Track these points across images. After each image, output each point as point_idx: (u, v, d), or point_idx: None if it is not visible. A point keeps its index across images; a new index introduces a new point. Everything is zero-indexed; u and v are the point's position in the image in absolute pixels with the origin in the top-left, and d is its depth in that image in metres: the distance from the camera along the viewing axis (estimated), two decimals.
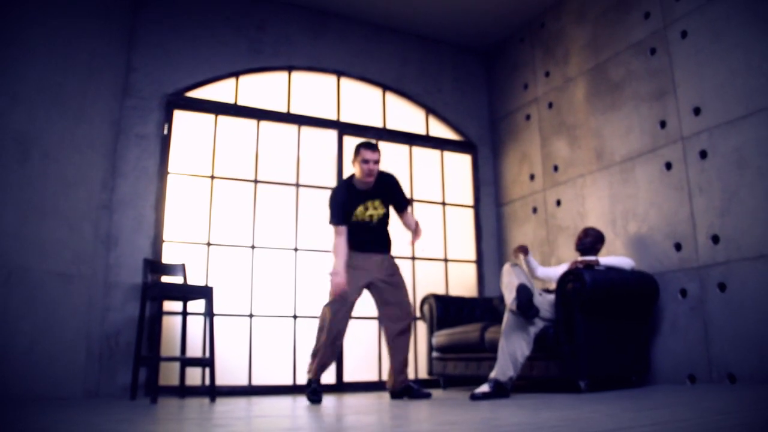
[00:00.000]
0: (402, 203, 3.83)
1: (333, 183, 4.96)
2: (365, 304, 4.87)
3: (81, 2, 3.96)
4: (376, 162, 3.62)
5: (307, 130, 4.99)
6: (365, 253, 3.69)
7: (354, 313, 4.73)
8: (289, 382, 4.46)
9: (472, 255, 5.46)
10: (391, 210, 3.81)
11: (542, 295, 3.70)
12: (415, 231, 3.80)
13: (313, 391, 3.43)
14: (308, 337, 4.60)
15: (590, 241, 3.91)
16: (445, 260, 5.34)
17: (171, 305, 4.10)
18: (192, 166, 4.51)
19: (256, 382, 4.34)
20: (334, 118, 5.10)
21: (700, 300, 3.67)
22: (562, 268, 3.99)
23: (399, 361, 3.65)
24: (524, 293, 3.35)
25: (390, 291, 3.70)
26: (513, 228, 5.38)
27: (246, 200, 4.61)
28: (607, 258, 3.77)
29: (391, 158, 5.31)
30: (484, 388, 3.30)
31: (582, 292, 3.44)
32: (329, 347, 3.53)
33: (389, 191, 3.76)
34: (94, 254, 3.91)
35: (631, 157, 4.27)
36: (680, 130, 3.92)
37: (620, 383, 3.74)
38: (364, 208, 3.69)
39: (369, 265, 3.67)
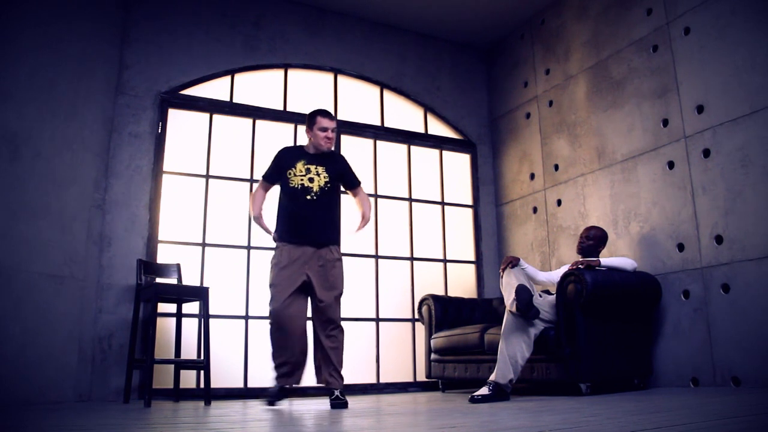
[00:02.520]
0: (353, 181, 3.62)
1: None
2: (365, 304, 4.85)
3: None
4: (334, 131, 3.47)
5: (303, 129, 4.93)
6: (299, 246, 3.37)
7: (352, 314, 4.75)
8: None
9: (471, 255, 5.41)
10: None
11: (542, 296, 3.66)
12: (362, 218, 3.61)
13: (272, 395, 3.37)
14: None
15: (593, 244, 3.85)
16: (444, 261, 5.28)
17: (165, 307, 4.05)
18: (187, 165, 4.45)
19: (252, 384, 4.28)
20: None
21: (704, 301, 3.62)
22: (564, 271, 3.94)
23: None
24: (524, 294, 3.31)
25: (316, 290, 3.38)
26: (513, 228, 5.33)
27: (242, 200, 4.55)
28: (608, 259, 3.72)
29: (389, 157, 5.27)
30: (484, 390, 3.26)
31: (583, 293, 3.39)
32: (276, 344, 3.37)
33: (338, 167, 3.55)
34: (87, 255, 3.85)
35: (632, 156, 4.21)
36: (683, 129, 3.87)
37: (622, 386, 3.70)
38: (306, 170, 3.43)
39: (302, 257, 3.37)
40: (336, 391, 3.26)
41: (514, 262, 3.58)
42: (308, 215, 3.40)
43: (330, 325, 3.40)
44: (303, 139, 4.87)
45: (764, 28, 3.44)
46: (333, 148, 3.59)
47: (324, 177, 3.46)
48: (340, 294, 3.44)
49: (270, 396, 3.41)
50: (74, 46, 3.86)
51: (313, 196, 3.41)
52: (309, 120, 3.51)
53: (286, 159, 3.50)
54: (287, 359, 3.38)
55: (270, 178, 3.54)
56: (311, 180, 3.43)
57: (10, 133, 3.34)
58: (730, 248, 3.52)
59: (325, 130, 3.45)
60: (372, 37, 5.36)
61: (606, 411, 2.43)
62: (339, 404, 3.19)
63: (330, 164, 3.52)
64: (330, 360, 3.37)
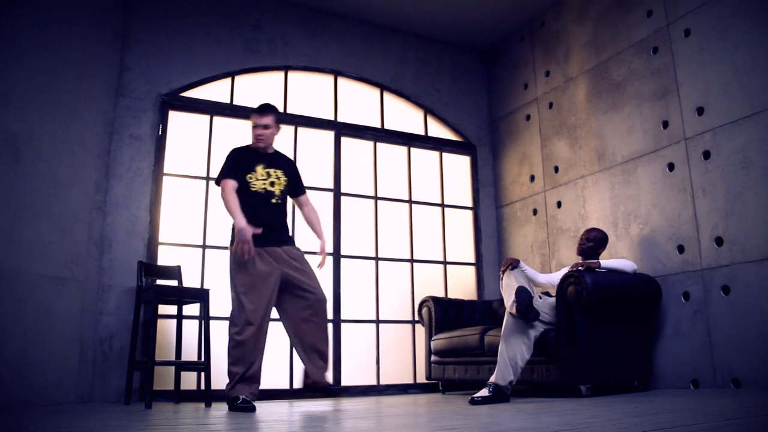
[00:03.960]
0: (301, 187, 3.59)
1: (330, 184, 4.92)
2: (365, 306, 4.85)
3: (73, 1, 3.91)
4: (266, 127, 3.33)
5: (303, 131, 4.94)
6: (266, 247, 3.27)
7: (352, 316, 4.75)
8: (285, 386, 4.40)
9: (471, 257, 5.41)
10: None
11: (542, 298, 3.66)
12: (320, 241, 3.54)
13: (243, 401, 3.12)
14: None
15: (593, 246, 3.85)
16: (444, 262, 5.28)
17: (166, 308, 4.05)
18: (187, 167, 4.46)
19: None
20: (331, 118, 5.05)
21: (704, 303, 3.62)
22: (564, 272, 3.94)
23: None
24: (524, 296, 3.31)
25: (303, 276, 3.34)
26: (513, 230, 5.33)
27: None
28: (608, 260, 3.72)
29: (390, 159, 5.27)
30: (484, 392, 3.26)
31: (583, 294, 3.39)
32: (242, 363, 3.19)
33: (291, 169, 3.50)
34: (87, 257, 3.85)
35: (632, 158, 4.21)
36: (683, 131, 3.87)
37: (622, 388, 3.70)
38: (267, 174, 3.36)
39: (274, 259, 3.30)
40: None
41: (513, 264, 3.57)
42: (275, 220, 3.39)
43: (324, 312, 3.38)
44: (302, 142, 4.92)
45: (764, 30, 3.44)
46: (266, 145, 3.42)
47: (283, 180, 3.46)
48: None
49: (250, 408, 3.12)
50: (75, 48, 3.86)
51: (277, 200, 3.42)
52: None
53: (244, 161, 3.38)
54: (259, 362, 3.25)
55: (235, 175, 3.33)
56: (272, 184, 3.41)
57: (11, 135, 3.35)
58: (730, 250, 3.52)
59: (255, 127, 3.37)
60: (372, 39, 5.36)
61: (606, 412, 2.43)
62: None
63: (285, 167, 3.50)
64: (327, 352, 3.37)
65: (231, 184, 3.30)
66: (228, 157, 3.43)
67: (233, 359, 3.20)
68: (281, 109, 4.86)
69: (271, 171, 3.42)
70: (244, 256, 3.16)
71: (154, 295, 3.59)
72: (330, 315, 4.66)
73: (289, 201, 3.63)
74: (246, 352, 3.18)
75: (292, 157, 4.81)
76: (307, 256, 4.51)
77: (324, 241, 3.62)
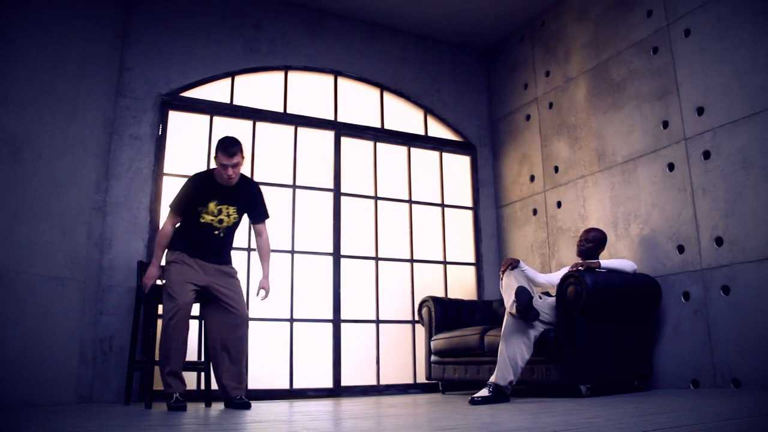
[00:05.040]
0: (262, 214, 3.65)
1: (330, 184, 4.91)
2: (365, 306, 4.85)
3: (73, 1, 3.91)
4: (235, 166, 3.38)
5: (303, 131, 4.94)
6: (197, 259, 3.43)
7: (351, 316, 4.75)
8: (285, 386, 4.40)
9: (471, 257, 5.41)
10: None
11: (542, 298, 3.66)
12: (264, 275, 3.61)
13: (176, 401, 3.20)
14: (305, 340, 4.56)
15: (592, 247, 3.85)
16: (444, 262, 5.28)
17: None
18: (187, 167, 4.45)
19: (252, 386, 4.27)
20: (331, 118, 5.05)
21: (704, 303, 3.62)
22: (564, 272, 3.94)
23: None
24: (524, 296, 3.31)
25: (229, 292, 3.45)
26: (513, 230, 5.33)
27: None
28: (608, 260, 3.72)
29: (390, 159, 5.27)
30: (484, 392, 3.26)
31: (583, 294, 3.39)
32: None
33: (249, 199, 3.59)
34: (88, 257, 3.85)
35: (632, 158, 4.21)
36: (683, 131, 3.87)
37: (622, 388, 3.70)
38: (218, 211, 3.45)
39: (204, 270, 3.44)
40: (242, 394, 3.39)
41: (513, 264, 3.58)
42: (212, 246, 3.48)
43: (245, 332, 3.46)
44: (302, 142, 4.92)
45: (764, 30, 3.44)
46: (237, 179, 3.46)
47: (233, 217, 3.53)
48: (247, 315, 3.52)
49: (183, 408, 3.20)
50: (75, 48, 3.86)
51: (220, 233, 3.50)
52: (216, 149, 3.41)
53: (199, 195, 3.45)
54: (182, 358, 3.34)
55: (182, 212, 3.47)
56: (221, 221, 3.49)
57: (11, 135, 3.35)
58: (730, 250, 3.51)
59: (225, 167, 3.37)
60: (372, 39, 5.36)
61: (606, 413, 2.43)
62: (246, 405, 3.30)
63: (241, 200, 3.55)
64: (244, 363, 3.49)
65: (171, 222, 3.46)
66: (186, 186, 3.50)
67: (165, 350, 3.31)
68: (281, 110, 4.87)
69: (223, 208, 3.48)
70: (144, 290, 3.44)
71: (154, 295, 3.59)
72: (330, 315, 4.67)
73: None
74: (175, 340, 3.27)
75: (291, 158, 4.82)
76: (313, 258, 4.50)
77: (266, 276, 3.65)
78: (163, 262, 3.50)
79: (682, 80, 3.90)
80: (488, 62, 5.87)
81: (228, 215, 3.50)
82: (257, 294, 3.65)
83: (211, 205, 3.45)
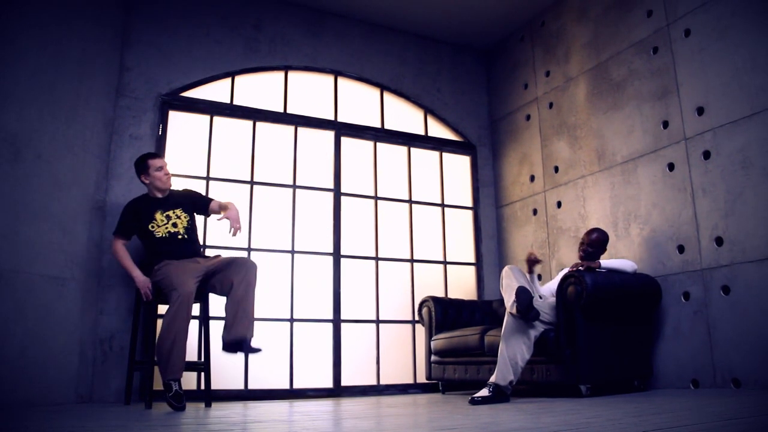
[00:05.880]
0: (204, 198, 3.86)
1: (330, 184, 4.91)
2: (365, 306, 4.85)
3: (73, 1, 3.91)
4: (166, 165, 3.69)
5: (304, 131, 4.94)
6: (184, 259, 3.53)
7: (352, 316, 4.75)
8: (285, 386, 4.40)
9: (471, 257, 5.41)
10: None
11: (542, 297, 3.66)
12: (227, 208, 3.67)
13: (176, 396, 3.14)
14: (305, 340, 4.56)
15: (593, 252, 3.83)
16: (444, 262, 5.28)
17: (166, 309, 4.03)
18: (187, 167, 4.45)
19: (252, 386, 4.28)
20: (331, 118, 5.05)
21: (704, 303, 3.62)
22: (564, 273, 3.94)
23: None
24: (524, 296, 3.31)
25: (229, 267, 3.50)
26: (513, 230, 5.33)
27: (242, 202, 4.55)
28: (608, 260, 3.72)
29: (390, 159, 5.27)
30: (484, 392, 3.26)
31: (583, 294, 3.39)
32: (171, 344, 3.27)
33: (186, 196, 3.78)
34: (88, 257, 3.85)
35: (633, 158, 4.21)
36: (683, 131, 3.87)
37: (622, 388, 3.70)
38: (166, 218, 3.63)
39: (194, 261, 3.55)
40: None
41: (536, 260, 3.91)
42: (185, 249, 3.62)
43: (253, 267, 3.49)
44: (302, 142, 4.91)
45: (764, 30, 3.44)
46: (168, 187, 3.72)
47: (184, 217, 3.70)
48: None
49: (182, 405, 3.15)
50: (75, 48, 3.86)
51: (183, 236, 3.66)
52: (140, 167, 3.68)
53: (142, 214, 3.62)
54: (182, 358, 3.30)
55: (127, 233, 3.64)
56: (174, 225, 3.64)
57: (11, 135, 3.34)
58: (730, 250, 3.52)
59: (160, 168, 3.65)
60: (372, 39, 5.36)
61: (606, 412, 2.43)
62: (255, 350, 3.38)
63: (180, 201, 3.73)
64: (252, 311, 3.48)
65: (119, 244, 3.62)
66: (123, 213, 3.68)
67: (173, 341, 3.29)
68: (281, 109, 4.87)
69: (170, 213, 3.66)
70: (148, 298, 3.52)
71: (154, 295, 3.59)
72: (330, 315, 4.66)
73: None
74: (181, 332, 3.26)
75: (291, 158, 4.83)
76: (314, 258, 4.55)
77: (226, 207, 3.69)
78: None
79: (682, 80, 3.90)
80: (488, 62, 5.87)
81: (178, 217, 3.67)
82: (229, 231, 3.56)
83: (158, 216, 3.62)
